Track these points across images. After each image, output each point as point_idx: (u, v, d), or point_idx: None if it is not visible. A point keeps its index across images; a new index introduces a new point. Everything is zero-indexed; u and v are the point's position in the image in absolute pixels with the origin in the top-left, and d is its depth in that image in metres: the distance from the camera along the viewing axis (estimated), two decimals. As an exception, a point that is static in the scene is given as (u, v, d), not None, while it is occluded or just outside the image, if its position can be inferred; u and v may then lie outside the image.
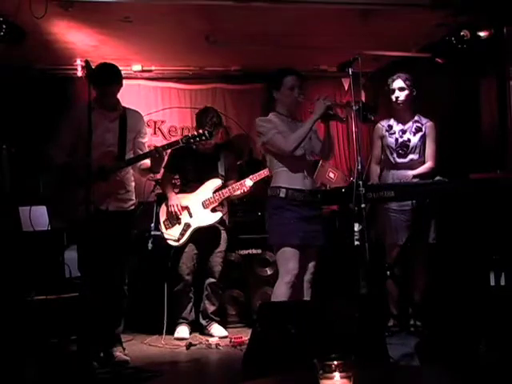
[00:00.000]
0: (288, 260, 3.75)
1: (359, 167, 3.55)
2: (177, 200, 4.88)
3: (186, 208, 4.88)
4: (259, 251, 5.40)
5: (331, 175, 5.66)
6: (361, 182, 3.51)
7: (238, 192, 4.93)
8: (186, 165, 4.95)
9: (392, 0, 4.75)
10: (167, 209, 4.88)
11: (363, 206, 3.48)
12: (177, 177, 5.18)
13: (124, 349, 4.21)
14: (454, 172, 4.21)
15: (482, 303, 3.90)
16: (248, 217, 5.62)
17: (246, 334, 4.47)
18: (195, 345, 4.60)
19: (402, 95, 4.46)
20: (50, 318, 4.37)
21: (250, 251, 5.41)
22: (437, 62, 5.49)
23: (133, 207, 4.22)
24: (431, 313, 4.32)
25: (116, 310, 4.16)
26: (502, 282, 4.03)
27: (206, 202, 4.89)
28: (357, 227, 3.46)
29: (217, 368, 4.27)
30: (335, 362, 1.74)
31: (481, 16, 4.95)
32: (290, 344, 2.97)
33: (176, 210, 4.84)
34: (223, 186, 4.94)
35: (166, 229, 4.86)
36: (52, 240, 4.78)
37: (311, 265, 3.89)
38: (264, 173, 4.93)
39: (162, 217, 4.90)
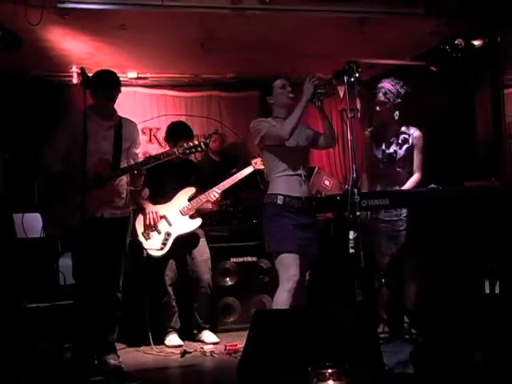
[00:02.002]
0: (288, 266, 3.72)
1: (354, 175, 3.55)
2: (154, 209, 4.84)
3: (164, 217, 4.84)
4: (254, 259, 5.40)
5: (326, 182, 5.67)
6: (356, 190, 3.51)
7: (209, 205, 4.96)
8: (160, 175, 4.86)
9: (386, 8, 4.79)
10: (144, 218, 4.82)
11: (358, 213, 3.48)
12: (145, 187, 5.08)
13: (118, 356, 4.19)
14: (448, 180, 4.22)
15: (476, 311, 3.90)
16: (243, 224, 5.62)
17: (240, 342, 4.45)
18: (190, 352, 4.59)
19: (382, 109, 4.46)
20: (44, 326, 4.35)
21: (244, 259, 5.40)
22: (431, 71, 5.51)
23: (127, 214, 4.23)
24: (426, 320, 4.32)
25: (110, 318, 4.14)
26: (497, 290, 4.04)
27: (184, 210, 4.89)
28: (352, 235, 3.46)
29: (211, 376, 4.26)
30: (329, 370, 1.75)
31: (474, 25, 4.98)
32: (284, 352, 2.97)
33: (154, 217, 4.79)
34: (197, 194, 4.94)
35: (146, 240, 4.80)
36: (46, 247, 4.76)
37: (305, 274, 3.88)
38: (230, 182, 4.99)
39: (140, 228, 4.81)
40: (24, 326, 4.27)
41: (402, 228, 4.37)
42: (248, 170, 5.07)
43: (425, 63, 5.53)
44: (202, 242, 5.03)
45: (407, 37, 5.25)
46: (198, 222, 4.92)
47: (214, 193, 4.90)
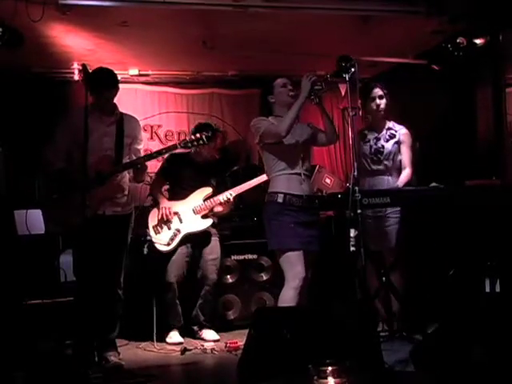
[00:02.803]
0: (294, 264, 3.72)
1: (355, 173, 3.55)
2: (168, 204, 4.89)
3: (177, 214, 4.88)
4: (255, 256, 5.40)
5: (327, 181, 5.67)
6: (357, 188, 3.51)
7: (220, 208, 4.97)
8: (181, 172, 4.97)
9: (388, 7, 4.78)
10: (158, 213, 4.87)
11: (359, 211, 3.48)
12: (167, 182, 5.17)
13: (119, 353, 4.20)
14: (449, 178, 4.22)
15: (476, 310, 3.90)
16: (243, 222, 5.62)
17: (241, 339, 4.45)
18: (190, 350, 4.59)
19: (382, 103, 4.50)
20: (44, 323, 4.36)
21: (245, 256, 5.40)
22: (433, 69, 5.51)
23: (129, 211, 4.23)
24: (425, 318, 4.32)
25: (111, 315, 4.15)
26: (497, 289, 4.04)
27: (197, 209, 4.91)
28: (352, 233, 3.46)
29: (212, 373, 4.26)
30: (330, 368, 1.75)
31: (476, 23, 4.97)
32: (285, 349, 2.97)
33: (167, 212, 4.83)
34: (213, 195, 4.95)
35: (156, 234, 4.85)
36: (47, 244, 4.77)
37: (308, 272, 3.87)
38: (246, 186, 4.99)
39: (152, 222, 4.88)
40: (24, 322, 4.27)
41: (387, 224, 4.38)
42: (265, 177, 5.06)
43: (427, 62, 5.53)
44: (214, 240, 5.04)
45: (409, 35, 5.24)
46: (209, 222, 4.94)
47: (228, 194, 4.91)
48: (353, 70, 3.65)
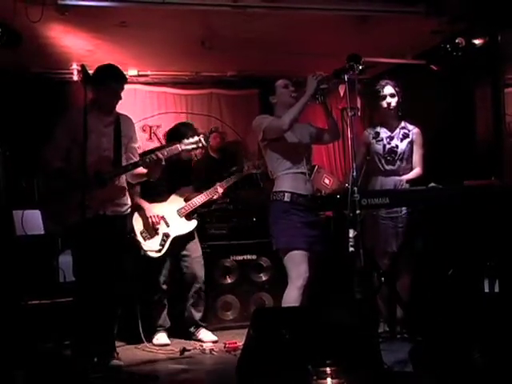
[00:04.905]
0: (298, 264, 3.73)
1: (354, 173, 3.55)
2: (153, 209, 4.84)
3: (162, 218, 4.84)
4: (254, 257, 5.40)
5: (326, 181, 5.67)
6: (356, 188, 3.51)
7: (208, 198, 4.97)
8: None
9: (387, 7, 4.79)
10: (142, 219, 4.80)
11: (358, 212, 3.48)
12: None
13: (117, 353, 4.19)
14: (448, 179, 4.22)
15: (475, 310, 3.91)
16: (243, 222, 5.61)
17: (240, 340, 4.45)
18: (189, 350, 4.59)
19: (393, 101, 4.48)
20: (43, 323, 4.36)
21: (244, 257, 5.40)
22: (432, 69, 5.51)
23: (128, 211, 4.22)
24: (424, 318, 4.32)
25: (110, 315, 4.14)
26: (496, 289, 4.04)
27: (181, 211, 4.89)
28: (351, 233, 3.46)
29: (211, 373, 4.26)
30: (329, 368, 1.75)
31: (475, 24, 4.98)
32: (284, 350, 2.97)
33: (155, 220, 4.79)
34: (194, 195, 4.95)
35: (145, 240, 4.79)
36: (46, 244, 4.76)
37: (312, 271, 3.87)
38: (232, 179, 5.05)
39: (138, 227, 4.79)
40: (24, 322, 4.27)
41: (402, 225, 4.37)
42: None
43: (426, 62, 5.53)
44: (195, 239, 5.01)
45: (408, 35, 5.25)
46: (194, 223, 4.93)
47: (219, 190, 4.96)
48: (361, 67, 3.64)
